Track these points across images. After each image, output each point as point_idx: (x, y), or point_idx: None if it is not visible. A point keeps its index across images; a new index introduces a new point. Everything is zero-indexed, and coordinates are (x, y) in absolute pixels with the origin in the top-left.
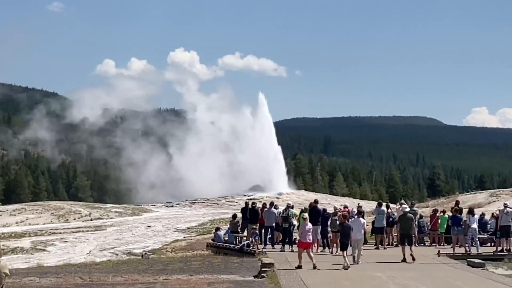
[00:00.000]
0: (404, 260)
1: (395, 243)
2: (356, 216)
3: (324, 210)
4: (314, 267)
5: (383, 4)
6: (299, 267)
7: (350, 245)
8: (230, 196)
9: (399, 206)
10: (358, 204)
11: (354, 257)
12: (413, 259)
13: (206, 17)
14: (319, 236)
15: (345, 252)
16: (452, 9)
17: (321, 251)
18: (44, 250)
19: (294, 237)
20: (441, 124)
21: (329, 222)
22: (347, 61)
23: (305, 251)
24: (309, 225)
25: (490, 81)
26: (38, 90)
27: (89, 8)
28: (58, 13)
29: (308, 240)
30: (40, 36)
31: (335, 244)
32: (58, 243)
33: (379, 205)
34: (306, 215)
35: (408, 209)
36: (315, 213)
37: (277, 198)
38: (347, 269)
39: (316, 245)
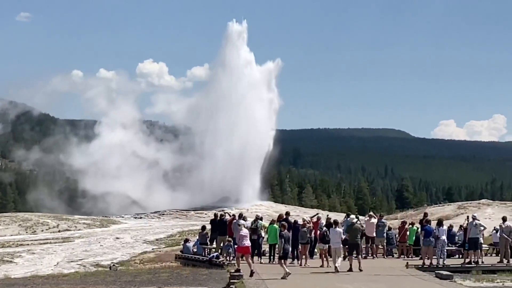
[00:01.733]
0: (350, 270)
1: (363, 255)
2: (337, 224)
3: (296, 222)
4: (251, 274)
5: (352, 16)
6: (238, 275)
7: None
8: (200, 208)
9: (368, 218)
10: (327, 216)
11: (336, 267)
12: (360, 267)
13: (176, 28)
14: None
15: (283, 261)
16: (419, 24)
17: (289, 263)
18: (11, 261)
19: (263, 249)
20: (409, 137)
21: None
22: (316, 73)
23: (243, 256)
24: (244, 231)
25: (457, 94)
26: (9, 101)
27: (57, 18)
28: (26, 23)
29: (245, 245)
30: (10, 47)
31: (304, 256)
32: (25, 255)
33: (348, 216)
34: (261, 223)
35: (355, 220)
36: (289, 224)
37: (246, 209)
38: (286, 278)
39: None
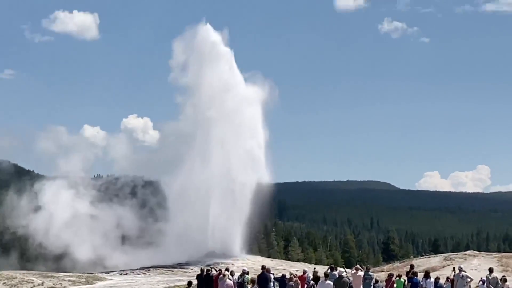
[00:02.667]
0: None
1: None
2: (324, 278)
3: (284, 275)
4: None
5: (335, 70)
6: None
7: None
8: (185, 263)
9: (355, 270)
10: (314, 268)
11: None
12: None
13: (158, 83)
14: None
15: None
16: (401, 77)
17: None
18: None
19: None
20: (394, 188)
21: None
22: (300, 127)
23: None
24: (229, 282)
25: (441, 145)
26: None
27: (40, 75)
28: (10, 80)
29: None
30: None
31: None
32: None
33: (331, 269)
34: (248, 277)
35: (344, 273)
36: (263, 279)
37: (232, 264)
38: None
39: None
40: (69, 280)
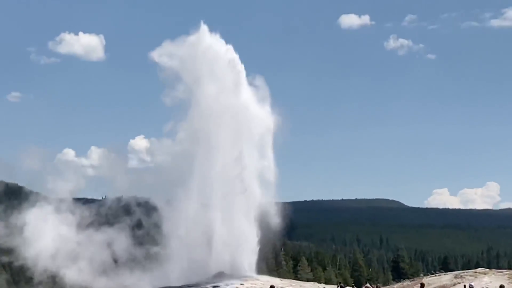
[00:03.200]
0: None
1: None
2: None
3: None
4: None
5: (342, 91)
6: None
7: None
8: (194, 284)
9: None
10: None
11: None
12: None
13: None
14: None
15: None
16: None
17: None
18: None
19: None
20: (403, 206)
21: None
22: (307, 146)
23: None
24: None
25: (450, 162)
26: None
27: (46, 97)
28: (16, 103)
29: None
30: (1, 126)
31: None
32: None
33: (341, 287)
34: None
35: None
36: None
37: (241, 284)
38: None
39: None
40: None
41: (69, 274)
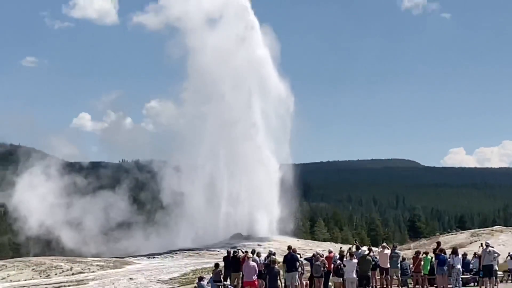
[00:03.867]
0: None
1: (378, 286)
2: (350, 257)
3: (314, 255)
4: None
5: (357, 51)
6: None
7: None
8: (211, 246)
9: (382, 249)
10: (341, 248)
11: None
12: None
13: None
14: (297, 282)
15: None
16: (425, 56)
17: None
18: None
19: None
20: (419, 166)
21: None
22: (323, 106)
23: None
24: (252, 263)
25: (466, 121)
26: (16, 146)
27: (62, 62)
28: (32, 68)
29: (252, 279)
30: (16, 91)
31: None
32: None
33: (357, 248)
34: (274, 258)
35: (367, 252)
36: (291, 260)
37: (258, 245)
38: None
39: None
40: (97, 265)
41: (67, 235)
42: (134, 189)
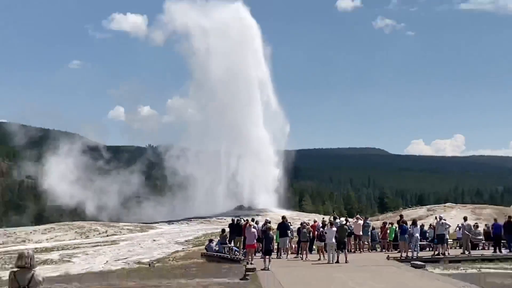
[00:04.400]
0: (337, 262)
1: (352, 250)
2: (330, 226)
3: (302, 224)
4: (264, 268)
5: (336, 61)
6: (250, 266)
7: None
8: (220, 214)
9: (356, 220)
10: (323, 218)
11: (339, 258)
12: (346, 260)
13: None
14: (287, 246)
15: (267, 257)
16: (392, 62)
17: (294, 257)
18: (69, 261)
19: (272, 249)
20: (387, 153)
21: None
22: (311, 104)
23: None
24: (252, 230)
25: (424, 118)
26: (63, 132)
27: (102, 64)
28: (77, 69)
29: (252, 243)
30: (64, 89)
31: (305, 252)
32: (81, 255)
33: (334, 218)
34: (269, 226)
35: (344, 222)
36: (283, 227)
37: (257, 215)
38: (267, 269)
39: (286, 252)
40: (127, 229)
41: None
42: (158, 169)
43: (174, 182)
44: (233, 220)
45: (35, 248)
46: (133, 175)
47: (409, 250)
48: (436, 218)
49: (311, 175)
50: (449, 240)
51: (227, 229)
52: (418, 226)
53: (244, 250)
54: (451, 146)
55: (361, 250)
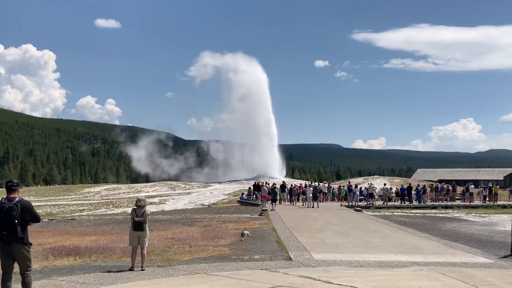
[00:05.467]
0: (312, 206)
1: (321, 201)
2: (309, 186)
3: (293, 185)
4: (272, 209)
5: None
6: (264, 208)
7: (275, 201)
8: (249, 178)
9: (324, 183)
10: (305, 182)
11: (314, 205)
12: (318, 206)
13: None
14: (285, 197)
15: (273, 203)
16: (341, 95)
17: (288, 204)
18: (164, 203)
19: (277, 199)
20: (342, 147)
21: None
22: (296, 112)
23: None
24: (265, 189)
25: (363, 126)
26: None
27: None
28: (171, 98)
29: (265, 195)
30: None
31: (295, 201)
32: (170, 200)
33: (311, 182)
34: (275, 185)
35: (317, 184)
36: (283, 187)
37: (268, 179)
38: (274, 210)
39: (284, 201)
40: (196, 186)
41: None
42: (207, 152)
43: (221, 160)
44: (255, 182)
45: (146, 196)
46: (197, 157)
47: (353, 201)
48: (368, 183)
49: (299, 158)
50: (375, 196)
51: (252, 188)
52: (358, 188)
53: (261, 199)
54: (377, 144)
55: (326, 200)
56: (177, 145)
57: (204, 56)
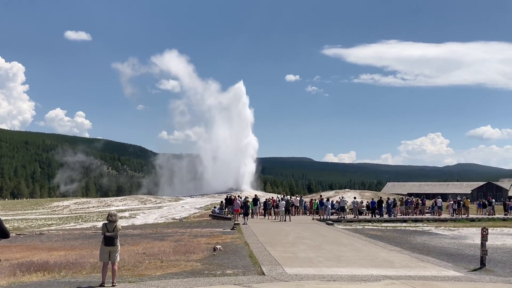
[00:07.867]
0: (284, 220)
1: (293, 214)
2: (281, 200)
3: (266, 199)
4: (244, 223)
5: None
6: (236, 222)
7: (248, 214)
8: (219, 192)
9: (296, 196)
10: (277, 196)
11: (286, 218)
12: (290, 220)
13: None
14: (258, 211)
15: (246, 217)
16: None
17: (260, 218)
18: (135, 217)
19: (249, 213)
20: (313, 161)
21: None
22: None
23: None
24: (238, 203)
25: (334, 141)
26: (146, 149)
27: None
28: (142, 111)
29: (238, 208)
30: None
31: (267, 214)
32: (141, 214)
33: (284, 196)
34: (248, 199)
35: (289, 198)
36: (255, 200)
37: (240, 193)
38: (246, 224)
39: (257, 214)
40: (168, 200)
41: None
42: (178, 165)
43: (191, 174)
44: (227, 196)
45: (116, 210)
46: (167, 171)
47: (325, 214)
48: (339, 197)
49: (271, 171)
50: (346, 210)
51: (224, 201)
52: (330, 201)
53: (233, 213)
54: (348, 157)
55: (298, 214)
56: (147, 158)
57: (171, 67)
